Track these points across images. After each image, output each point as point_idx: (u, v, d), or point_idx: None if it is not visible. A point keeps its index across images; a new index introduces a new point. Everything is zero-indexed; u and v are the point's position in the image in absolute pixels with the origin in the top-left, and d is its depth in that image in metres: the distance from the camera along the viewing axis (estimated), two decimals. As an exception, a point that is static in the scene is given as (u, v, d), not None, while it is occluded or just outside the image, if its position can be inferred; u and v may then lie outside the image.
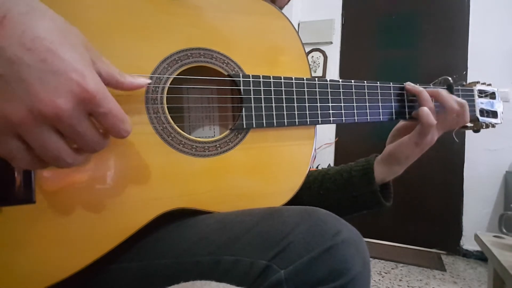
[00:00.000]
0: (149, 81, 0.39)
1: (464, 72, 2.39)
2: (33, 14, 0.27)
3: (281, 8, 0.62)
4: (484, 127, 0.64)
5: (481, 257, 2.25)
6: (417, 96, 0.55)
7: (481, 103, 0.63)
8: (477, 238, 1.11)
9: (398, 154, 0.54)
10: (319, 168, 0.65)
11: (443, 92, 0.55)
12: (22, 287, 0.34)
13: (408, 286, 1.86)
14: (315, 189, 0.60)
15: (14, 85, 0.25)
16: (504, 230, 1.03)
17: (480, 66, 2.35)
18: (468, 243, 2.34)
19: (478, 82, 0.65)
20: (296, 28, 0.56)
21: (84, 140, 0.30)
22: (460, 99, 0.56)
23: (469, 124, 0.62)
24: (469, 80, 2.35)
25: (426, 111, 0.52)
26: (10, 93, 0.25)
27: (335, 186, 0.58)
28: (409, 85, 0.56)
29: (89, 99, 0.28)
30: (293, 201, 0.48)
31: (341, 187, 0.57)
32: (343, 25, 2.79)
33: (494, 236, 1.09)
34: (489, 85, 0.66)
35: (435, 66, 2.48)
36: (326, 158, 2.75)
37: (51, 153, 0.28)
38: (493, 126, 0.65)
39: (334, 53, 2.80)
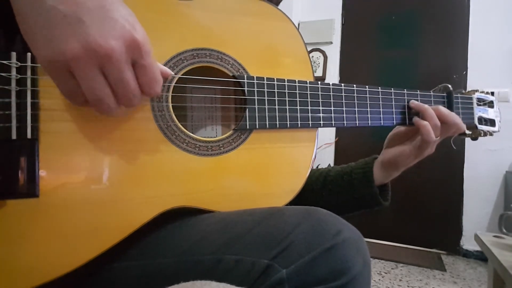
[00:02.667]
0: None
1: (464, 72, 2.39)
2: None
3: (277, 4, 0.62)
4: (482, 135, 0.65)
5: (481, 257, 2.25)
6: (422, 113, 0.56)
7: (480, 111, 0.64)
8: (477, 238, 1.11)
9: (397, 162, 0.56)
10: (319, 168, 0.66)
11: (442, 109, 0.56)
12: (23, 281, 0.35)
13: (408, 286, 1.86)
14: (318, 191, 0.61)
15: (74, 25, 0.29)
16: (504, 230, 1.03)
17: (480, 66, 2.35)
18: (468, 243, 2.34)
19: (477, 90, 0.66)
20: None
21: (125, 89, 0.33)
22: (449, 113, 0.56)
23: (467, 132, 0.64)
24: (469, 80, 2.36)
25: (428, 129, 0.53)
26: (70, 32, 0.29)
27: (337, 188, 0.60)
28: (413, 103, 0.57)
29: (136, 47, 0.32)
30: (296, 202, 0.48)
31: (342, 189, 0.59)
32: (343, 25, 2.79)
33: (494, 236, 1.09)
34: (488, 93, 0.67)
35: (435, 66, 2.48)
36: (326, 158, 2.75)
37: (97, 93, 0.32)
38: (491, 134, 0.66)
39: (334, 53, 2.80)
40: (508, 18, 2.30)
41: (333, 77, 2.78)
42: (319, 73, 2.80)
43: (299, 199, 0.49)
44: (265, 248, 0.34)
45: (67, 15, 0.29)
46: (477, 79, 2.34)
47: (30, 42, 0.30)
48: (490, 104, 0.66)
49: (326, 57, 2.80)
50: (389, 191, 0.60)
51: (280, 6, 0.62)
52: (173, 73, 0.41)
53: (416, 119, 0.56)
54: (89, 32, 0.29)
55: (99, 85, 0.31)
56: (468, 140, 0.66)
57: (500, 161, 2.26)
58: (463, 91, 0.65)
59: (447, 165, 2.39)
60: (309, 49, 2.96)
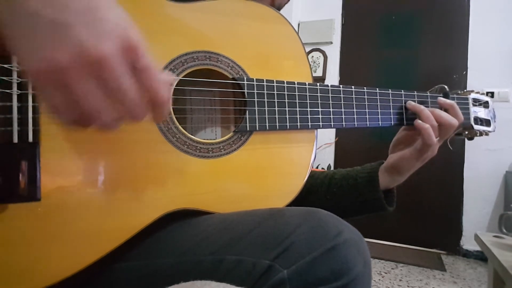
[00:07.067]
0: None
1: (464, 72, 2.39)
2: None
3: (280, 8, 0.62)
4: (478, 135, 0.66)
5: (481, 257, 2.26)
6: (419, 114, 0.56)
7: (475, 111, 0.65)
8: (477, 238, 1.11)
9: (400, 167, 0.56)
10: (319, 168, 0.66)
11: (440, 111, 0.56)
12: (25, 285, 0.35)
13: (408, 286, 1.86)
14: (322, 193, 0.61)
15: (61, 31, 0.25)
16: (504, 230, 1.03)
17: (480, 66, 2.35)
18: (468, 243, 2.34)
19: (472, 91, 0.67)
20: (296, 28, 0.57)
21: (125, 98, 0.28)
22: (449, 101, 0.58)
23: (463, 132, 0.64)
24: (469, 80, 2.36)
25: (429, 132, 0.53)
26: (57, 39, 0.25)
27: (341, 192, 0.60)
28: (409, 104, 0.58)
29: (132, 48, 0.28)
30: (300, 204, 0.49)
31: (347, 192, 0.59)
32: (343, 25, 2.79)
33: (494, 236, 1.09)
34: (483, 94, 0.67)
35: (435, 66, 2.48)
36: (326, 158, 2.75)
37: (94, 105, 0.27)
38: (487, 134, 0.67)
39: (334, 53, 2.80)
40: (508, 18, 2.30)
41: (333, 77, 2.78)
42: (319, 73, 2.80)
43: (303, 201, 0.49)
44: (266, 249, 0.34)
45: (52, 20, 0.25)
46: (477, 79, 2.34)
47: (15, 53, 0.26)
48: (486, 105, 0.67)
49: (326, 57, 2.81)
50: (395, 196, 0.60)
51: (281, 7, 0.63)
52: (172, 76, 0.41)
53: (417, 122, 0.55)
54: (78, 37, 0.25)
55: (95, 96, 0.27)
56: (467, 140, 0.66)
57: (500, 161, 2.26)
58: (459, 92, 0.66)
59: (447, 165, 2.39)
60: (309, 49, 2.95)
